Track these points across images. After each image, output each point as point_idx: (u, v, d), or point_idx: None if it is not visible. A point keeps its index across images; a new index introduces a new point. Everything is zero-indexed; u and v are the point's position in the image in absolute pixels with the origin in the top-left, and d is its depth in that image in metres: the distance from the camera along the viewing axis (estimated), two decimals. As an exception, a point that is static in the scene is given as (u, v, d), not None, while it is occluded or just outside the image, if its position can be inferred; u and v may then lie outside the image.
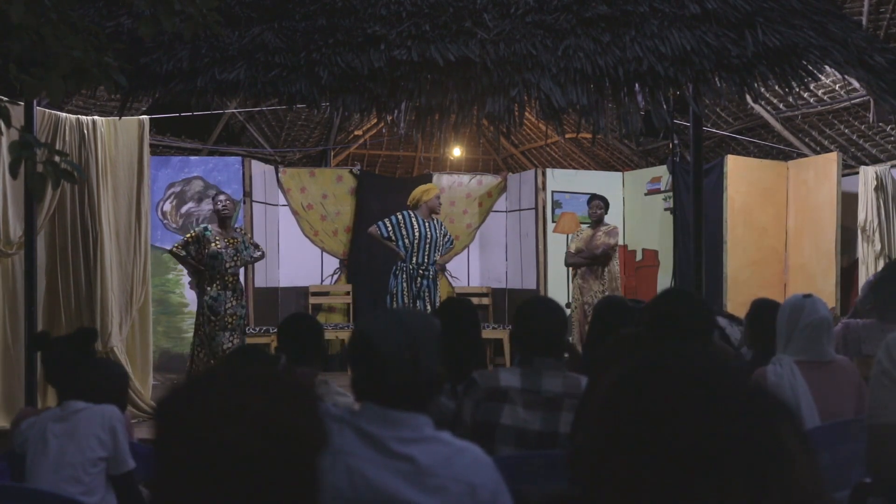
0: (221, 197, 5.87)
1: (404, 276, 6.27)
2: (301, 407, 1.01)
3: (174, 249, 5.81)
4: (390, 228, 6.28)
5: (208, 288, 5.70)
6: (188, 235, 5.82)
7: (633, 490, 0.84)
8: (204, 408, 0.96)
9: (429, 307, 6.29)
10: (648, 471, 0.83)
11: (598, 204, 6.95)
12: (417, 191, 6.49)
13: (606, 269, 6.78)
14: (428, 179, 8.63)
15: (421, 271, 6.30)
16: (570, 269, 7.01)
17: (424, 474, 1.48)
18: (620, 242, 8.20)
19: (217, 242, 5.70)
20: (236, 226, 6.32)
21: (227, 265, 5.68)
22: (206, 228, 5.79)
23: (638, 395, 0.87)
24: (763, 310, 3.30)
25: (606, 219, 7.03)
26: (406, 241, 6.26)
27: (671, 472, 0.82)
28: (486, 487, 1.50)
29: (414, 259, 6.28)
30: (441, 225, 6.51)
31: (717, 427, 0.82)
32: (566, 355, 3.10)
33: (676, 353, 0.90)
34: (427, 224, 6.35)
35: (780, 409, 0.86)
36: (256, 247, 6.03)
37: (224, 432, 0.94)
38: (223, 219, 5.81)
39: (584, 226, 7.28)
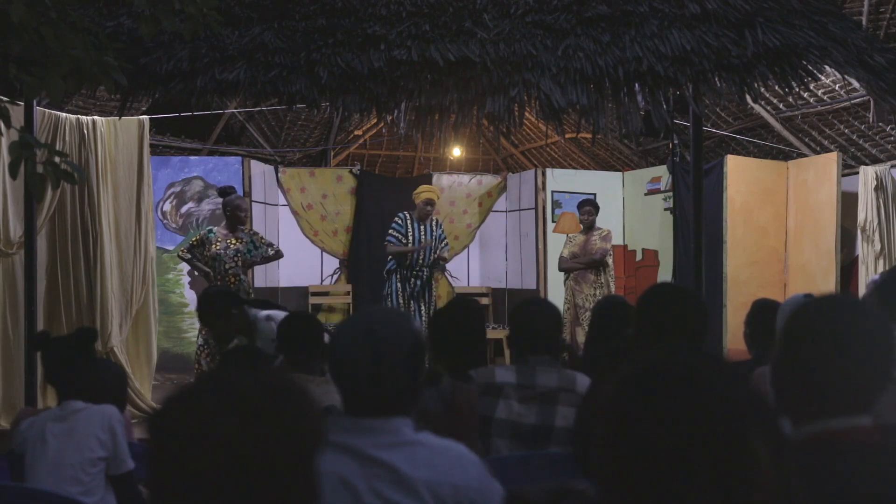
0: (241, 202, 5.80)
1: (398, 277, 6.28)
2: (298, 408, 1.01)
3: (179, 253, 5.81)
4: (399, 236, 6.29)
5: None
6: (193, 239, 5.81)
7: (627, 486, 0.88)
8: (199, 414, 0.96)
9: (423, 308, 6.32)
10: (635, 468, 0.89)
11: (588, 210, 6.94)
12: (415, 192, 6.51)
13: (603, 274, 6.78)
14: (428, 179, 8.63)
15: (415, 272, 6.32)
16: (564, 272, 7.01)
17: (406, 479, 1.46)
18: (620, 242, 8.21)
19: (218, 244, 5.68)
20: (249, 228, 6.24)
21: (227, 266, 5.66)
22: (210, 231, 5.78)
23: (625, 401, 0.94)
24: (763, 310, 3.30)
25: (602, 221, 7.02)
26: (404, 241, 6.29)
27: (652, 471, 0.87)
28: (470, 486, 1.49)
29: (408, 261, 6.28)
30: (439, 225, 6.51)
31: (685, 430, 0.88)
32: (565, 356, 3.11)
33: (659, 359, 0.95)
34: (421, 227, 6.35)
35: (754, 414, 0.90)
36: (270, 245, 5.98)
37: (219, 437, 0.94)
38: (235, 222, 5.76)
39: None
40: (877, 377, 1.35)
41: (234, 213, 5.73)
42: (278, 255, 6.08)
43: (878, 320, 1.38)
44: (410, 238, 6.30)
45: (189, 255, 5.76)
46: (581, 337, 6.65)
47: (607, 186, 8.33)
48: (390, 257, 6.35)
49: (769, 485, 0.87)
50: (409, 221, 6.35)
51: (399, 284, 6.29)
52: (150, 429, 1.01)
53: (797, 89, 3.87)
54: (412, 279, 6.32)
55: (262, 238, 6.01)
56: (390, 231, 6.33)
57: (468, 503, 1.49)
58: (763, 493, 0.87)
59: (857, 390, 1.34)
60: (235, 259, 5.70)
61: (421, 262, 6.36)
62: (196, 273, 6.18)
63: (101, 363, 2.86)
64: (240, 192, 7.52)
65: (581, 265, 6.78)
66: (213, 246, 5.68)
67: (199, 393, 1.00)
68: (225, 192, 5.87)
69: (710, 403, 0.89)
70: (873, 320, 1.38)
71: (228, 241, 5.71)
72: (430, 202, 6.42)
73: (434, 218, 6.52)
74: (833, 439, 1.31)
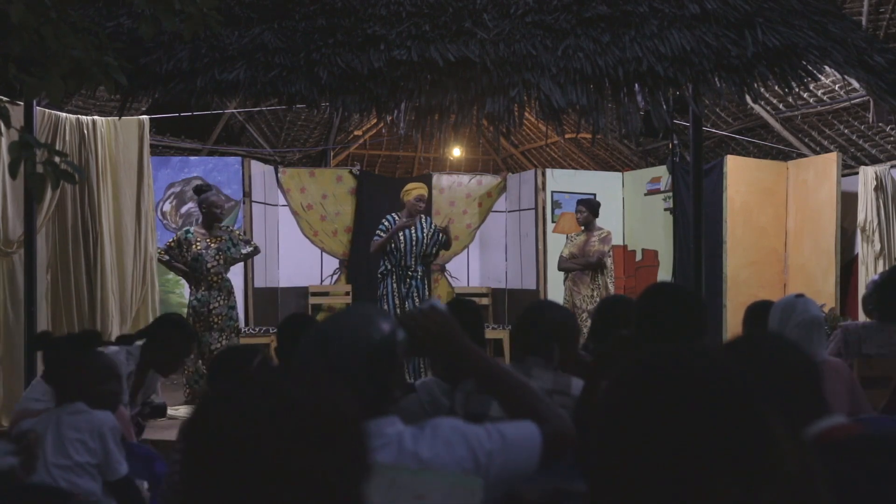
0: (216, 198, 5.74)
1: (393, 278, 6.24)
2: (354, 430, 0.98)
3: (158, 256, 5.74)
4: (385, 236, 6.24)
5: (194, 289, 5.65)
6: (170, 240, 5.73)
7: (633, 487, 0.86)
8: (246, 422, 0.91)
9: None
10: (643, 468, 0.86)
11: (580, 209, 6.93)
12: (403, 190, 6.45)
13: (601, 276, 6.77)
14: (428, 180, 8.62)
15: (410, 273, 6.28)
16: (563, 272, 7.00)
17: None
18: (620, 242, 8.20)
19: (198, 244, 5.61)
20: (225, 225, 6.15)
21: (209, 265, 5.60)
22: (187, 231, 5.69)
23: (629, 399, 0.91)
24: (756, 310, 3.31)
25: (602, 221, 7.00)
26: (393, 244, 6.21)
27: (664, 469, 0.85)
28: (463, 458, 1.47)
29: (402, 261, 6.24)
30: (429, 223, 6.45)
31: (704, 424, 0.86)
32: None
33: (664, 354, 0.93)
34: (411, 227, 6.30)
35: (769, 407, 0.88)
36: (247, 242, 5.90)
37: (265, 447, 0.89)
38: (211, 220, 5.70)
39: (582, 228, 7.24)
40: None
41: (210, 209, 5.67)
42: (256, 251, 6.00)
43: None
44: (401, 238, 6.24)
45: (167, 258, 5.66)
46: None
47: (607, 187, 8.33)
48: (383, 260, 6.29)
49: (796, 473, 0.86)
50: (397, 222, 6.29)
51: (395, 285, 6.25)
52: (189, 431, 0.94)
53: (797, 89, 3.87)
54: (407, 279, 6.28)
55: (238, 234, 5.94)
56: (377, 232, 6.28)
57: (467, 472, 1.46)
58: (791, 482, 0.85)
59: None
60: (217, 258, 5.63)
61: (414, 261, 6.31)
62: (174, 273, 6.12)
63: (87, 359, 2.78)
64: (240, 193, 7.54)
65: (577, 266, 6.77)
66: (194, 246, 5.60)
67: (247, 399, 0.94)
68: (200, 189, 5.81)
69: (725, 397, 0.88)
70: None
71: (208, 240, 5.65)
72: (421, 198, 6.36)
73: (422, 216, 6.45)
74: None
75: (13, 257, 5.04)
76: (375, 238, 6.24)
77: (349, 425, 0.96)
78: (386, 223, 6.26)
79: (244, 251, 5.85)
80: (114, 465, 2.58)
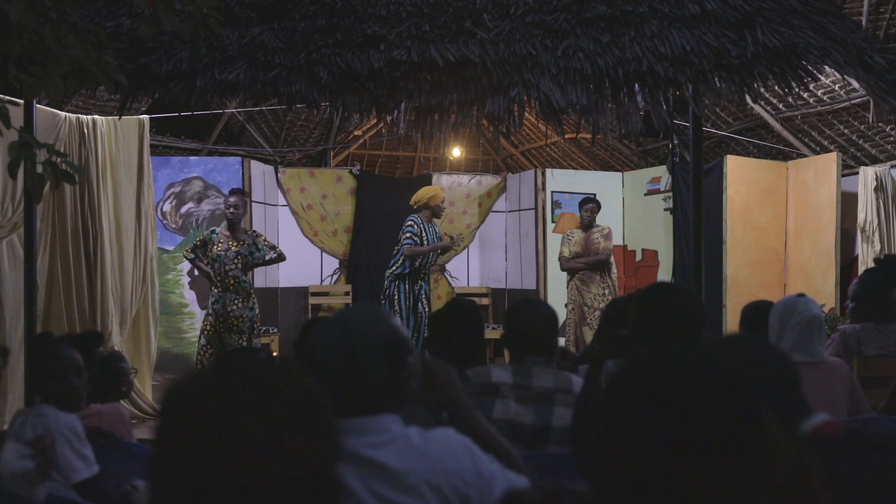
0: (232, 199, 5.83)
1: (406, 280, 6.24)
2: (327, 419, 0.99)
3: (185, 254, 5.96)
4: (417, 239, 6.26)
5: (213, 290, 5.76)
6: (197, 239, 5.90)
7: (632, 486, 0.87)
8: (214, 400, 0.92)
9: (428, 308, 6.30)
10: (642, 467, 0.87)
11: (591, 207, 6.91)
12: (423, 193, 6.43)
13: (608, 274, 6.76)
14: (428, 180, 8.62)
15: (422, 275, 6.32)
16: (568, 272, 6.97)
17: (401, 476, 1.45)
18: (620, 242, 8.20)
19: (219, 245, 5.72)
20: (251, 229, 6.30)
21: (227, 268, 5.69)
22: (213, 231, 5.85)
23: (627, 398, 0.92)
24: (751, 310, 3.30)
25: (602, 221, 7.00)
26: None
27: (663, 467, 0.85)
28: (465, 469, 1.48)
29: (417, 263, 6.26)
30: (435, 227, 6.51)
31: (703, 423, 0.86)
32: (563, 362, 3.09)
33: (662, 353, 0.94)
34: (429, 228, 6.34)
35: (764, 402, 0.88)
36: (272, 248, 6.02)
37: (241, 436, 0.90)
38: (232, 222, 5.82)
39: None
40: None
41: (224, 210, 5.86)
42: (280, 258, 6.10)
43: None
44: (426, 241, 6.29)
45: (192, 255, 5.85)
46: (589, 336, 6.63)
47: (607, 187, 8.33)
48: (402, 262, 6.28)
49: (792, 471, 0.86)
50: (422, 225, 6.32)
51: (406, 286, 6.26)
52: (159, 413, 0.96)
53: (797, 89, 3.87)
54: (419, 281, 6.32)
55: (264, 240, 6.04)
56: (407, 235, 6.26)
57: (466, 486, 1.47)
58: (787, 480, 0.85)
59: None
60: (236, 261, 5.72)
61: (428, 263, 6.38)
62: (197, 273, 6.25)
63: (50, 354, 2.72)
64: (240, 193, 7.54)
65: (586, 266, 6.74)
66: (215, 247, 5.73)
67: (214, 379, 0.95)
68: (230, 192, 5.99)
69: (721, 394, 0.88)
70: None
71: (230, 242, 5.76)
72: (443, 199, 6.49)
73: (435, 221, 6.52)
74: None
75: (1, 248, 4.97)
76: (409, 242, 6.21)
77: (318, 406, 0.97)
78: (415, 227, 6.26)
79: (267, 256, 5.96)
80: (66, 469, 2.46)
